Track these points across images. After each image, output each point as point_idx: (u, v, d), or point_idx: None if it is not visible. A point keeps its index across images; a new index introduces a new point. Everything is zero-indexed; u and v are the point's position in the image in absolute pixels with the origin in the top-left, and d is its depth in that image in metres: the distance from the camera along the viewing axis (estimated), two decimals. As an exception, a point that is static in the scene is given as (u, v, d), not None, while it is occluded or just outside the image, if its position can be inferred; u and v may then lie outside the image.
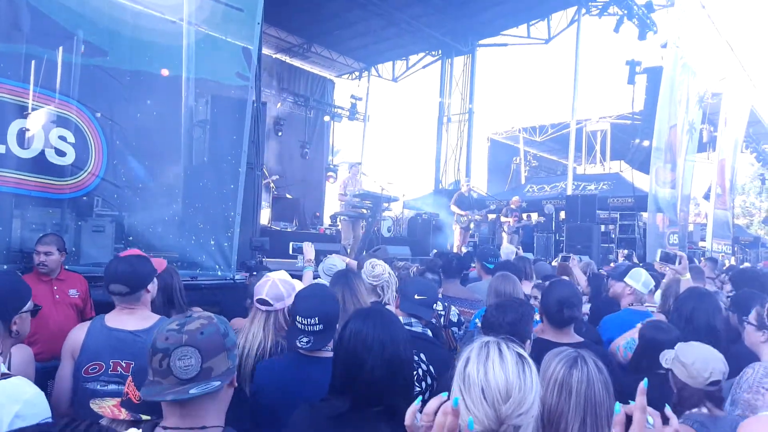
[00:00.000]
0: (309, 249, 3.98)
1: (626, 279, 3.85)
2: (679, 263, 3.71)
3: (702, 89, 15.29)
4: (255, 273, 4.25)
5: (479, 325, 3.36)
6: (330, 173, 17.24)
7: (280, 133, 17.05)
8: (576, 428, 1.50)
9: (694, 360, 2.09)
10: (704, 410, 2.07)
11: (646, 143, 12.74)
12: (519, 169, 23.59)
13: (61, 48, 3.91)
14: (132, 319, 2.38)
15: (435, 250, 8.06)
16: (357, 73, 19.86)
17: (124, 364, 2.27)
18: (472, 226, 11.70)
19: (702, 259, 7.38)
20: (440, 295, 3.93)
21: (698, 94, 14.92)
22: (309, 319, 2.11)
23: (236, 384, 1.49)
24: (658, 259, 4.17)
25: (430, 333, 2.76)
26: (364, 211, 8.88)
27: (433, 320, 3.25)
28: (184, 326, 1.37)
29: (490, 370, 1.28)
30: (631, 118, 14.88)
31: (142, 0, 4.50)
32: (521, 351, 1.35)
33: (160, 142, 4.69)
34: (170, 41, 4.67)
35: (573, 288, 2.95)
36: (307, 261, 3.89)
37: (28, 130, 3.70)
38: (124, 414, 1.58)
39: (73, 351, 2.33)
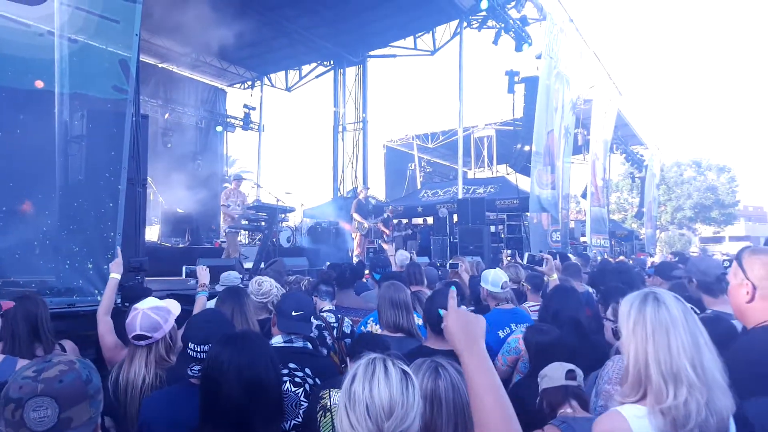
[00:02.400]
0: (203, 273, 3.79)
1: (481, 282, 3.98)
2: (545, 265, 4.04)
3: (574, 96, 16.73)
4: (127, 304, 3.87)
5: (364, 332, 3.48)
6: (226, 184, 16.73)
7: (169, 145, 16.33)
8: None
9: (547, 369, 2.29)
10: (569, 410, 2.20)
11: (527, 148, 13.68)
12: (415, 175, 24.35)
13: None
14: None
15: (328, 263, 8.13)
16: (249, 83, 19.52)
17: None
18: (372, 233, 11.93)
19: (571, 255, 8.09)
20: (333, 306, 4.02)
21: (571, 101, 16.29)
22: (202, 346, 2.05)
23: None
24: (525, 261, 4.50)
25: (310, 346, 2.80)
26: (262, 223, 8.76)
27: (315, 332, 3.30)
28: (41, 373, 1.28)
29: (375, 387, 1.31)
30: (512, 125, 15.89)
31: (7, 11, 4.18)
32: (405, 368, 1.39)
33: (28, 160, 4.36)
34: (39, 54, 4.36)
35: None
36: (201, 285, 3.72)
37: None
38: None
39: None
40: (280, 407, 1.79)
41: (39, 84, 4.37)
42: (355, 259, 10.70)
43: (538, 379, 2.34)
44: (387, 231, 11.85)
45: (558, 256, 5.80)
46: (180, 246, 11.10)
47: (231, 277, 4.57)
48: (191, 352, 2.09)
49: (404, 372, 1.37)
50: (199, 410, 1.72)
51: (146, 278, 4.98)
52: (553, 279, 4.07)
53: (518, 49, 14.02)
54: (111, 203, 4.53)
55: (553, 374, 2.26)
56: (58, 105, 4.47)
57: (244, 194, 9.94)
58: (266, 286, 3.54)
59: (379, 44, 16.78)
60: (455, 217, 14.26)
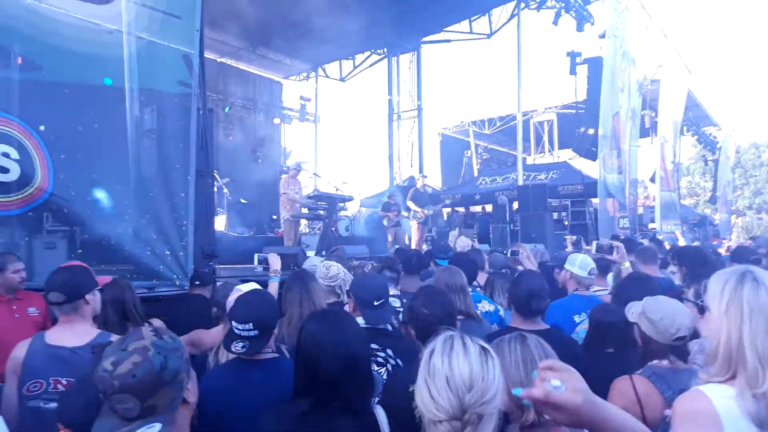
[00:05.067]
0: (275, 260, 3.92)
1: (565, 265, 3.93)
2: (616, 253, 3.87)
3: (641, 76, 15.91)
4: (197, 283, 4.32)
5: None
6: (284, 175, 17.10)
7: (230, 137, 16.81)
8: None
9: (662, 316, 2.16)
10: (665, 363, 2.16)
11: (591, 131, 13.19)
12: (471, 162, 24.03)
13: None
14: (72, 335, 2.37)
15: (396, 246, 8.11)
16: (304, 74, 19.81)
17: (65, 382, 2.27)
18: (430, 221, 11.88)
19: (644, 241, 7.73)
20: (398, 291, 4.03)
21: (638, 81, 15.50)
22: (244, 325, 2.15)
23: (191, 400, 1.48)
24: (593, 250, 4.32)
25: (389, 327, 2.83)
26: (321, 212, 8.90)
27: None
28: (116, 369, 1.32)
29: (455, 360, 1.32)
30: (575, 108, 15.36)
31: (79, 11, 4.40)
32: (484, 344, 1.39)
33: (106, 154, 4.58)
34: (110, 51, 4.57)
35: (541, 280, 3.05)
36: (273, 271, 3.85)
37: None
38: None
39: (15, 369, 2.32)
40: (372, 381, 1.86)
41: (106, 82, 4.57)
42: (414, 247, 10.67)
43: (633, 313, 2.26)
44: (390, 215, 11.65)
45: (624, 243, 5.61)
46: (246, 235, 11.46)
47: (313, 262, 4.63)
48: (235, 330, 2.17)
49: (483, 348, 1.37)
50: (295, 382, 1.83)
51: (218, 266, 5.17)
52: (626, 267, 3.89)
53: (579, 29, 13.49)
54: (182, 193, 4.72)
55: (664, 330, 2.15)
56: (128, 100, 4.66)
57: (300, 183, 10.10)
58: (334, 270, 3.58)
59: (433, 29, 16.57)
60: (515, 205, 13.98)
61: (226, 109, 17.21)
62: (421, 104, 17.29)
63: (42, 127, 4.06)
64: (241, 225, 12.29)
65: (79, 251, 4.29)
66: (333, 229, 9.73)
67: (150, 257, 4.46)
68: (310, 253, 8.41)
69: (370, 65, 18.64)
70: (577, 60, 13.57)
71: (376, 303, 2.68)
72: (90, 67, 4.47)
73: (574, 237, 8.15)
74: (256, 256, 4.21)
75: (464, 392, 1.28)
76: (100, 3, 4.63)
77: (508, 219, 13.61)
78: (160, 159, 4.90)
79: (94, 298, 2.49)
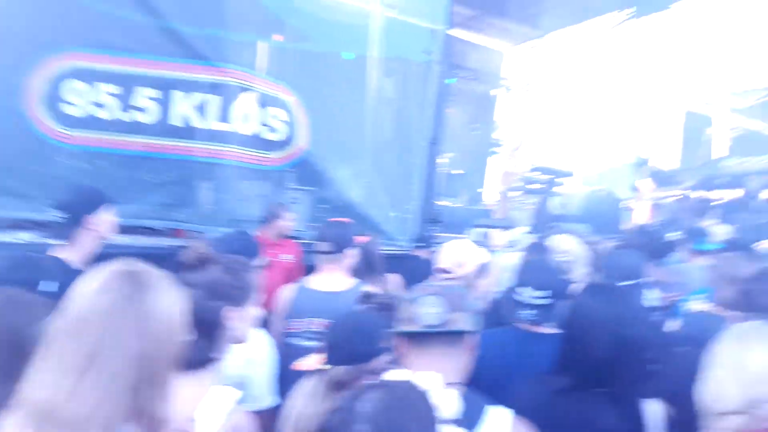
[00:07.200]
0: (497, 235, 3.87)
1: None
2: None
3: None
4: (421, 245, 4.46)
5: (692, 309, 3.02)
6: (496, 148, 16.78)
7: (448, 109, 16.96)
8: None
9: None
10: None
11: None
12: (712, 141, 20.53)
13: (273, 34, 4.37)
14: (330, 280, 2.56)
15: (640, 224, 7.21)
16: (533, 41, 18.84)
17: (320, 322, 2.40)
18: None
19: None
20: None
21: None
22: (539, 292, 1.99)
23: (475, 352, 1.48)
24: None
25: None
26: (538, 186, 8.55)
27: None
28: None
29: (749, 351, 1.22)
30: None
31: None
32: None
33: (349, 119, 4.88)
34: (359, 23, 4.81)
35: None
36: (494, 246, 3.80)
37: (246, 109, 4.17)
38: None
39: (282, 310, 2.57)
40: (647, 371, 1.66)
41: (352, 54, 4.82)
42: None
43: None
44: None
45: None
46: (457, 206, 11.55)
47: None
48: (522, 296, 2.03)
49: None
50: (559, 357, 1.71)
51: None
52: None
53: None
54: (415, 160, 4.90)
55: None
56: (369, 69, 4.82)
57: (522, 157, 9.72)
58: (566, 245, 3.31)
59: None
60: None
61: (448, 81, 17.35)
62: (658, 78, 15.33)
63: (302, 93, 4.49)
64: (451, 195, 12.43)
65: (322, 207, 4.74)
66: (549, 206, 9.28)
67: (380, 218, 4.71)
68: (524, 230, 8.16)
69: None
70: None
71: (620, 284, 2.45)
72: (343, 39, 4.79)
73: None
74: (474, 230, 4.21)
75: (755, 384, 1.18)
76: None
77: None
78: (397, 125, 5.12)
79: (354, 253, 2.71)
